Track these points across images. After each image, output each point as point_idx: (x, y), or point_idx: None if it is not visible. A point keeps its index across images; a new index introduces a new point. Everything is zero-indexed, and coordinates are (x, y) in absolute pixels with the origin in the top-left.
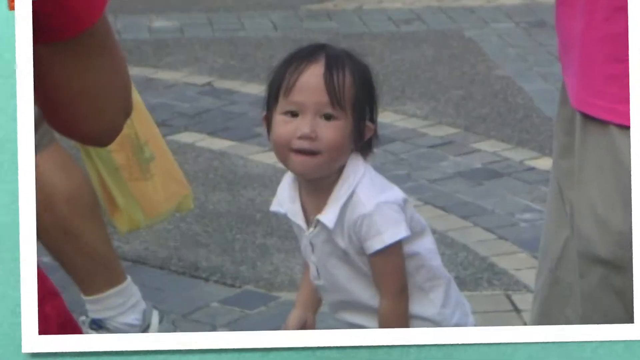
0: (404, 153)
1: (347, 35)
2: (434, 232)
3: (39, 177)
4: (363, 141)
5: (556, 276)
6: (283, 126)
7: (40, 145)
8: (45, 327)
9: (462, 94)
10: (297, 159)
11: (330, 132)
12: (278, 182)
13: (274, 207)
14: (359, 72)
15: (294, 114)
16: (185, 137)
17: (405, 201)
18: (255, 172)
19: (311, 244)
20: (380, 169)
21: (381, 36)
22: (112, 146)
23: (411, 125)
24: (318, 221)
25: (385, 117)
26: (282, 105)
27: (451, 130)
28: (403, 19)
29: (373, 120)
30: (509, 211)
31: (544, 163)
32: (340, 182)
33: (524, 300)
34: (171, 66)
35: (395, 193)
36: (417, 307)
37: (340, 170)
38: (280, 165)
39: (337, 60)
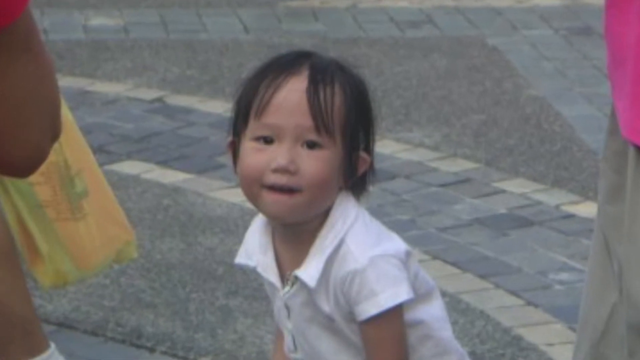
0: (408, 193)
1: (338, 40)
2: (444, 294)
3: None
4: (355, 177)
5: (599, 353)
6: (254, 155)
7: None
8: None
9: (484, 118)
10: (270, 197)
11: (313, 164)
12: (245, 227)
13: (241, 258)
14: (351, 88)
15: (268, 141)
16: (128, 167)
17: (408, 254)
18: (216, 214)
19: (287, 307)
20: (377, 213)
21: (381, 42)
22: (35, 177)
23: (417, 157)
24: (296, 278)
25: (385, 147)
26: (253, 128)
27: (468, 165)
28: (409, 20)
29: (369, 150)
30: (541, 270)
31: (587, 209)
32: (326, 228)
33: None
34: (112, 76)
35: (396, 244)
36: None
37: (325, 214)
38: (249, 205)
39: (324, 72)
